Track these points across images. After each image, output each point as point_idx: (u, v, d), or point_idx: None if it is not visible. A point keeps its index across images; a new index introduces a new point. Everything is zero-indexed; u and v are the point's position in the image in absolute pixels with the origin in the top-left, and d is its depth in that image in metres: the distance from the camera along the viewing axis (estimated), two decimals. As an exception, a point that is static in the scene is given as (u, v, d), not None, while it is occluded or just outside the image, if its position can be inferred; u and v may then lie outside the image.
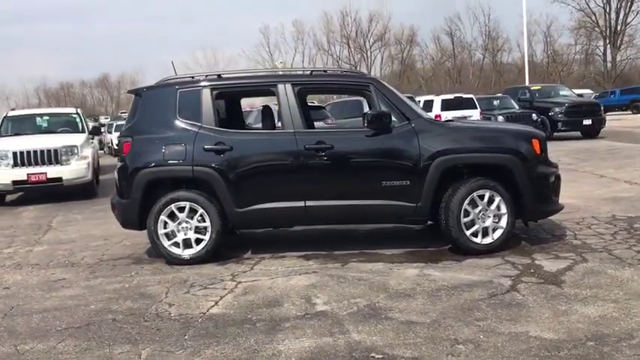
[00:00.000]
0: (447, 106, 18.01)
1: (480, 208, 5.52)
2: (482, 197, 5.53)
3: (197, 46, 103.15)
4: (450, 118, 6.79)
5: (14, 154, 10.64)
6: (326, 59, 68.47)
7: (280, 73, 5.96)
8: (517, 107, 19.68)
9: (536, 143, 5.65)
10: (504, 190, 5.54)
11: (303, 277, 5.12)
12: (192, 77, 5.95)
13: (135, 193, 5.69)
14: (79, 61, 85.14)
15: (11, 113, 12.91)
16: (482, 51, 64.08)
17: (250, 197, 5.63)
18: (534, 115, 18.70)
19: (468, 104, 18.23)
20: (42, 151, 10.71)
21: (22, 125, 12.31)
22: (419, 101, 19.01)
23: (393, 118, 5.62)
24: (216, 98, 5.77)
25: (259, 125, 8.24)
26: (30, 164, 10.67)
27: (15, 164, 10.63)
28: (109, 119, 56.75)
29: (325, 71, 6.02)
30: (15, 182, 10.61)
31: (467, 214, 5.51)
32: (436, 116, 17.49)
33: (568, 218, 6.87)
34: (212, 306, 4.47)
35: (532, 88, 21.32)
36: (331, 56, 68.13)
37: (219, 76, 5.98)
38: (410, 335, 3.71)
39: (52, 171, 10.68)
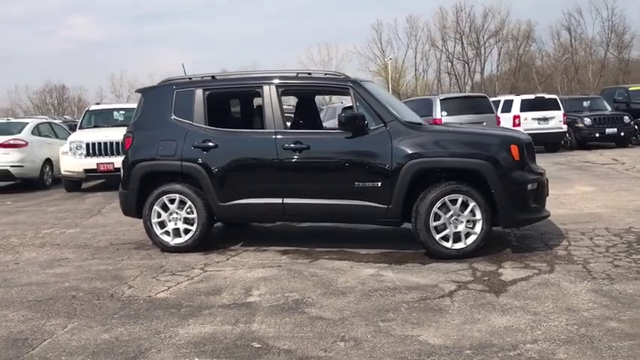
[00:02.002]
0: (526, 106, 17.26)
1: (451, 212, 5.49)
2: (454, 202, 5.50)
3: (312, 43, 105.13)
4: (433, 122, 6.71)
5: (87, 144, 11.79)
6: (439, 55, 67.49)
7: (266, 75, 6.19)
8: (609, 109, 18.50)
9: (514, 149, 5.52)
10: (479, 195, 5.47)
11: (264, 270, 5.39)
12: (190, 78, 6.38)
13: (133, 185, 6.23)
14: (201, 58, 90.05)
15: (92, 107, 14.19)
16: (605, 47, 60.03)
17: (232, 192, 5.97)
18: (626, 118, 17.53)
19: (551, 105, 17.37)
20: (111, 143, 11.75)
21: (101, 119, 13.51)
22: (498, 101, 18.40)
23: (371, 121, 5.72)
24: (209, 98, 6.16)
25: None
26: (100, 154, 11.74)
27: (87, 154, 11.75)
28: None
29: (310, 73, 6.21)
30: (86, 170, 11.75)
31: (437, 217, 5.50)
32: (515, 117, 16.89)
33: (578, 228, 6.61)
34: (162, 291, 4.86)
35: (631, 89, 19.90)
36: (443, 52, 67.02)
37: (213, 77, 6.37)
38: (305, 329, 3.87)
39: (119, 161, 11.60)
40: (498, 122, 15.74)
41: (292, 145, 5.80)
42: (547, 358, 3.32)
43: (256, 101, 6.10)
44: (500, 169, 5.42)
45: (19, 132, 12.96)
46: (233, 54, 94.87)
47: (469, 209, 5.49)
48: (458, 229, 5.51)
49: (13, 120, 16.06)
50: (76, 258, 6.17)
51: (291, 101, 9.59)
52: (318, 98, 9.55)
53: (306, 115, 6.80)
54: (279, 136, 5.86)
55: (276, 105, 5.95)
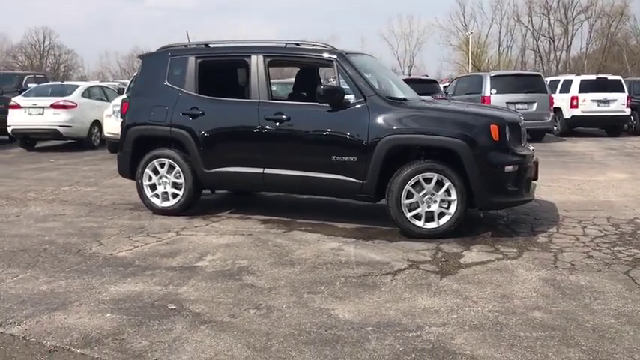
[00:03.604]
0: (586, 87, 16.37)
1: (425, 191, 5.39)
2: (429, 181, 5.39)
3: (394, 15, 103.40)
4: (421, 98, 6.50)
5: (128, 109, 12.21)
6: (524, 31, 64.84)
7: (255, 45, 6.22)
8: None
9: (494, 129, 5.32)
10: (455, 176, 5.33)
11: (233, 237, 5.50)
12: (186, 46, 6.50)
13: (127, 147, 6.47)
14: (284, 28, 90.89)
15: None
16: None
17: (216, 160, 6.09)
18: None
19: (614, 86, 16.38)
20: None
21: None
22: (558, 81, 17.56)
23: (351, 95, 5.66)
24: (200, 66, 6.27)
25: None
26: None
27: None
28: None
29: (298, 44, 6.16)
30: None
31: (410, 195, 5.42)
32: (572, 97, 16.10)
33: (578, 216, 6.35)
34: (126, 250, 5.08)
35: None
36: (529, 29, 64.27)
37: (206, 45, 6.46)
38: (228, 295, 3.95)
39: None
40: (551, 102, 15.08)
41: (273, 116, 5.83)
42: (443, 341, 3.25)
43: (244, 71, 6.14)
44: (476, 148, 5.25)
45: (71, 94, 13.62)
46: (315, 25, 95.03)
47: (444, 189, 5.37)
48: (431, 209, 5.41)
49: (67, 82, 16.88)
50: (72, 214, 6.51)
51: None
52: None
53: (304, 86, 6.78)
54: (261, 107, 5.91)
55: (262, 75, 5.98)
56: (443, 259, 4.82)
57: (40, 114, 13.07)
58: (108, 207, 6.93)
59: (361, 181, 5.57)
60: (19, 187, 8.41)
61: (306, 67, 6.75)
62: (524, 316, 3.61)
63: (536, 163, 5.78)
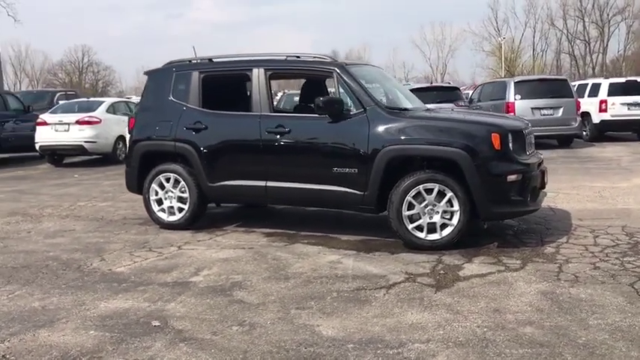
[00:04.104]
0: (615, 90, 15.92)
1: (426, 202, 5.29)
2: (430, 191, 5.29)
3: (425, 22, 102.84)
4: (428, 107, 6.40)
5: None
6: (559, 35, 63.77)
7: (256, 58, 6.23)
8: None
9: (495, 138, 5.19)
10: (457, 186, 5.22)
11: (233, 251, 5.49)
12: (190, 61, 6.55)
13: (134, 163, 6.54)
14: (317, 37, 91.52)
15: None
16: None
17: (220, 174, 6.10)
18: None
19: (645, 89, 15.93)
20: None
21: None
22: (586, 85, 17.14)
23: (351, 106, 5.62)
24: (203, 81, 6.30)
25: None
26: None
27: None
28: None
29: (298, 57, 6.14)
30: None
31: (412, 207, 5.33)
32: (601, 101, 15.70)
33: (592, 224, 6.16)
34: (126, 265, 5.10)
35: None
36: (563, 33, 63.17)
37: (210, 60, 6.50)
38: (214, 312, 3.92)
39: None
40: (578, 107, 14.73)
41: (274, 129, 5.82)
42: (423, 359, 3.16)
43: (246, 84, 6.14)
44: (477, 158, 5.13)
45: (95, 110, 13.89)
46: (348, 33, 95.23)
47: (446, 200, 5.26)
48: (433, 220, 5.30)
49: (93, 99, 17.23)
50: (81, 229, 6.59)
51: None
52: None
53: (311, 98, 6.75)
54: (263, 120, 5.90)
55: (263, 88, 5.98)
56: (441, 272, 4.71)
57: (65, 130, 13.35)
58: (118, 222, 7.00)
59: (362, 193, 5.50)
60: (38, 202, 8.57)
61: (311, 79, 6.72)
62: (514, 331, 3.49)
63: (542, 172, 5.62)
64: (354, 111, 5.59)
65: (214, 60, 6.49)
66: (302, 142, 5.78)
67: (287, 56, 6.15)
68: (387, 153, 5.36)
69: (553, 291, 4.19)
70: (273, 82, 6.95)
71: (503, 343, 3.33)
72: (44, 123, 13.57)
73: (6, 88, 58.36)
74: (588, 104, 15.87)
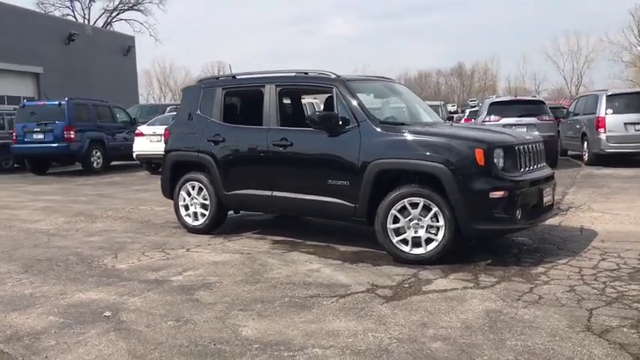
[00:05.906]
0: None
1: (411, 216, 5.34)
2: (415, 205, 5.34)
3: (559, 33, 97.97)
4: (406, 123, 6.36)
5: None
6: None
7: (269, 75, 6.58)
8: None
9: (479, 153, 5.12)
10: (443, 201, 5.23)
11: (229, 255, 5.85)
12: (217, 78, 7.04)
13: (166, 171, 7.15)
14: (439, 50, 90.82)
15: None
16: None
17: (234, 183, 6.53)
18: None
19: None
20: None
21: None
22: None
23: (349, 120, 5.80)
24: (225, 96, 6.78)
25: None
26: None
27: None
28: (455, 107, 59.45)
29: (306, 73, 6.39)
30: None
31: (397, 220, 5.40)
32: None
33: (607, 247, 5.84)
34: (130, 263, 5.63)
35: None
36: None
37: (233, 77, 6.96)
38: (165, 308, 4.26)
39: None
40: None
41: (279, 142, 6.14)
42: (309, 363, 3.31)
43: (260, 100, 6.51)
44: (457, 173, 5.10)
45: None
46: (473, 46, 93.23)
47: (431, 214, 5.28)
48: (418, 234, 5.33)
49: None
50: (121, 230, 7.30)
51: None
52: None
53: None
54: (270, 133, 6.24)
55: (273, 103, 6.33)
56: (406, 285, 4.74)
57: (158, 141, 14.50)
58: (157, 225, 7.64)
59: (354, 205, 5.65)
60: (107, 205, 9.50)
61: (323, 95, 6.96)
62: (420, 345, 3.51)
63: (540, 189, 5.44)
64: (349, 125, 5.75)
65: (237, 77, 6.93)
66: (301, 154, 6.05)
67: (296, 73, 6.44)
68: (375, 166, 5.47)
69: (501, 310, 4.10)
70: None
71: (400, 356, 3.37)
72: (141, 134, 14.86)
73: (152, 101, 64.83)
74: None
